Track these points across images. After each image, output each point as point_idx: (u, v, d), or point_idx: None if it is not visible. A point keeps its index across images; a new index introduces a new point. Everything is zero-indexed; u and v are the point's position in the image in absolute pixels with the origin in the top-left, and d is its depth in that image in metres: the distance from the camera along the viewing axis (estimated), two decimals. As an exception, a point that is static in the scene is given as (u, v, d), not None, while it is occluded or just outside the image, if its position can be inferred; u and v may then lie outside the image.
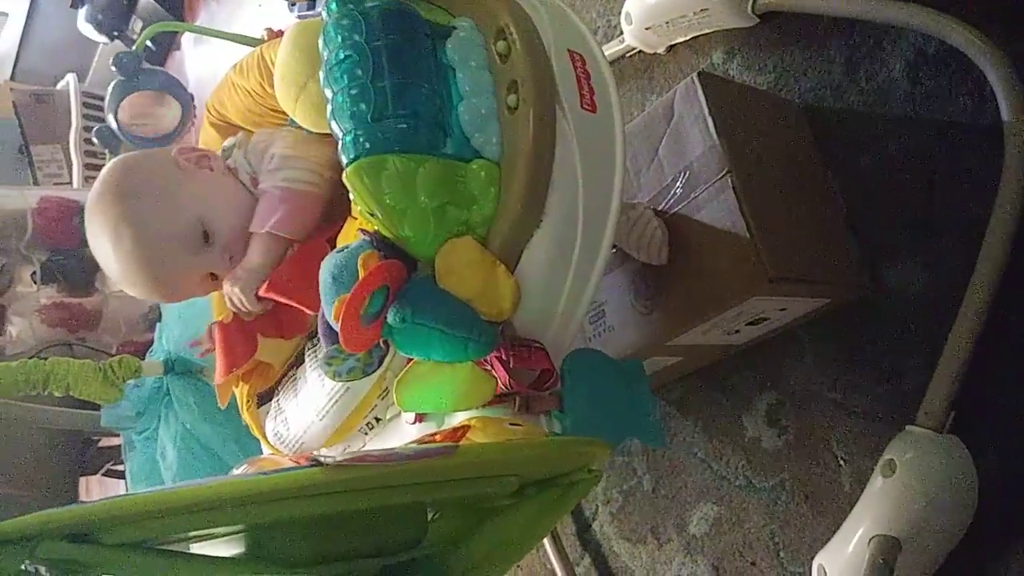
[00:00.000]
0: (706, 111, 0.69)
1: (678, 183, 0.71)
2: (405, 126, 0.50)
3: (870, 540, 0.61)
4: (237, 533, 0.44)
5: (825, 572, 0.64)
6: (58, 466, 1.68)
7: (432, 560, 0.49)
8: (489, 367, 0.51)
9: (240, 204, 0.68)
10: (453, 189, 0.50)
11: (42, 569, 0.36)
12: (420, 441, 0.52)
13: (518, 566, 1.01)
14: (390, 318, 0.49)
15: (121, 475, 1.49)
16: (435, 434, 0.52)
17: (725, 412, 0.82)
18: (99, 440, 1.64)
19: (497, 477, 0.46)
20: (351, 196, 0.52)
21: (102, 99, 1.40)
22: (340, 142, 0.51)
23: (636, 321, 0.74)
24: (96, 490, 1.78)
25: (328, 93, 0.52)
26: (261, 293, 0.65)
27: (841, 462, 0.72)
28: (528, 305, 0.52)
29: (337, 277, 0.49)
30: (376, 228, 0.52)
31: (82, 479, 1.77)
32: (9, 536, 0.36)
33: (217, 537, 0.44)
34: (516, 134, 0.50)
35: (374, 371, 0.51)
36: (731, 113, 0.70)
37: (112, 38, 2.36)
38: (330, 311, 0.49)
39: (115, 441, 1.45)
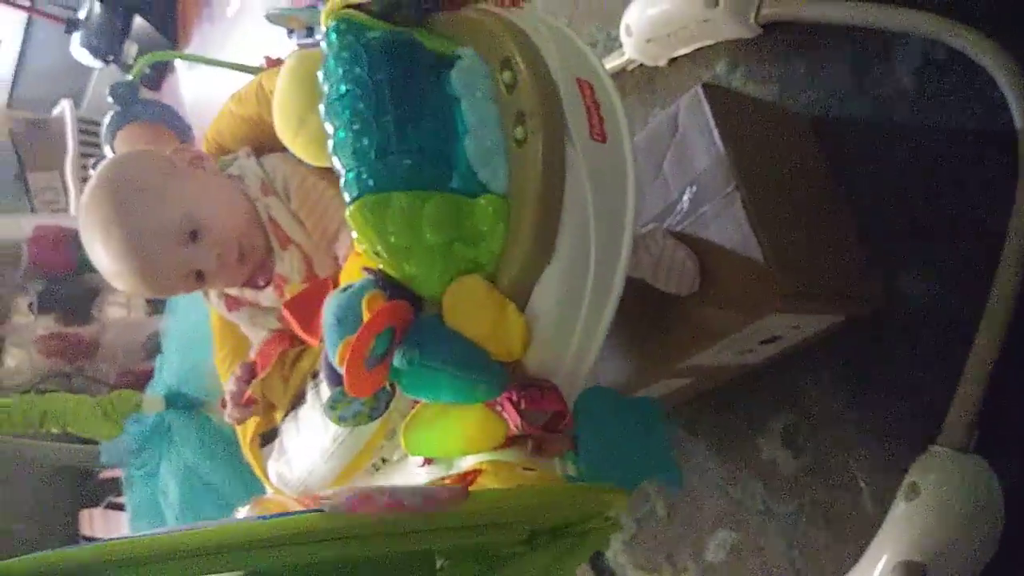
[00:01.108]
0: (711, 123, 0.67)
1: (684, 198, 0.70)
2: (409, 162, 0.48)
3: (895, 567, 0.59)
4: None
5: (849, 601, 0.63)
6: (58, 499, 1.67)
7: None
8: (500, 409, 0.49)
9: (232, 206, 0.70)
10: (460, 225, 0.49)
11: None
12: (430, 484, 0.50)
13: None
14: (396, 360, 0.47)
15: (123, 507, 1.48)
16: (445, 478, 0.50)
17: (740, 434, 0.80)
18: (100, 472, 1.62)
19: (509, 524, 0.44)
20: (353, 234, 0.50)
21: (98, 124, 1.39)
22: (343, 179, 0.49)
23: (645, 343, 0.72)
24: (99, 523, 1.76)
25: (329, 128, 0.50)
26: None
27: (862, 483, 0.70)
28: (539, 344, 0.50)
29: (341, 319, 0.48)
30: (381, 267, 0.50)
31: (83, 512, 1.76)
32: None
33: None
34: (524, 168, 0.49)
35: (380, 415, 0.49)
36: (737, 125, 0.68)
37: (107, 62, 2.36)
38: (334, 354, 0.47)
39: (117, 472, 1.43)
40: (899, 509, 0.61)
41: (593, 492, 0.47)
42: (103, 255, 0.68)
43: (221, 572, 0.39)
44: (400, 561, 0.46)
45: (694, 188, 0.69)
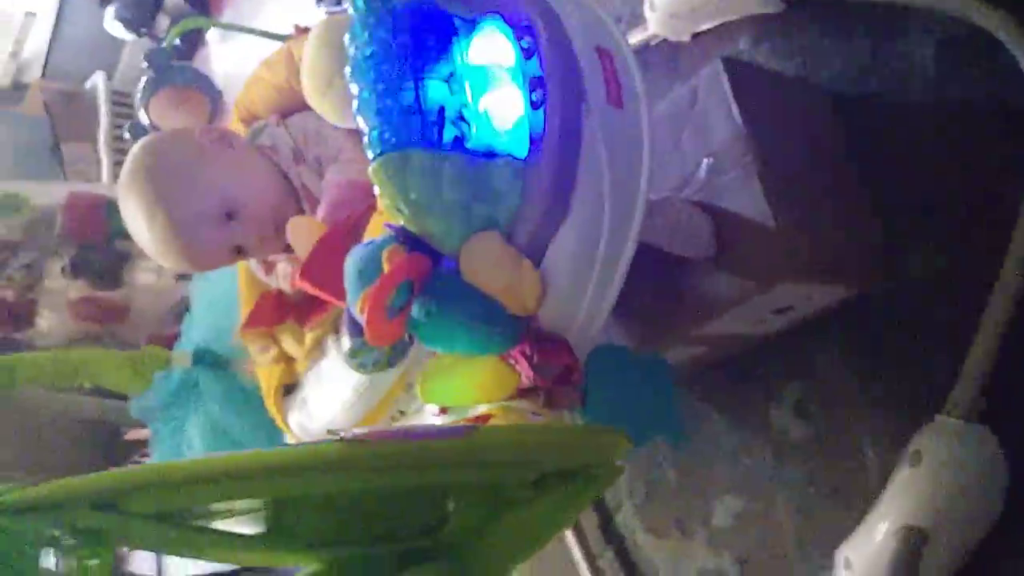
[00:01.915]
0: (730, 97, 0.68)
1: (701, 169, 0.71)
2: (431, 122, 0.50)
3: (896, 531, 0.60)
4: (258, 511, 0.45)
5: (850, 564, 0.64)
6: (86, 459, 1.71)
7: (451, 550, 0.49)
8: (513, 361, 0.51)
9: (265, 180, 0.73)
10: (478, 184, 0.51)
11: (66, 536, 0.37)
12: None
13: (540, 557, 1.02)
14: (415, 312, 0.49)
15: (149, 467, 1.51)
16: (458, 422, 0.52)
17: (751, 403, 0.81)
18: (126, 432, 1.67)
19: (516, 464, 0.46)
20: (376, 190, 0.52)
21: (130, 96, 1.42)
22: (366, 137, 0.51)
23: (659, 310, 0.74)
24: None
25: (354, 89, 0.52)
26: (295, 283, 0.68)
27: (869, 453, 0.71)
28: (553, 300, 0.52)
29: (363, 271, 0.50)
30: (401, 222, 0.52)
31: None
32: (35, 503, 0.37)
33: (239, 514, 0.44)
34: (541, 129, 0.51)
35: (398, 363, 0.51)
36: (756, 99, 0.69)
37: (140, 35, 2.39)
38: (355, 304, 0.50)
39: (143, 434, 1.47)
40: (902, 475, 0.62)
41: (599, 434, 0.49)
42: (148, 240, 0.73)
43: (244, 498, 0.41)
44: (414, 499, 0.48)
45: (711, 160, 0.70)
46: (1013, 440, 0.60)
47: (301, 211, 0.74)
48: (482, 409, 0.52)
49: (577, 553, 0.95)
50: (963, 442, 0.60)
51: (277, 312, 0.74)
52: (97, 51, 2.60)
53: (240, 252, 0.75)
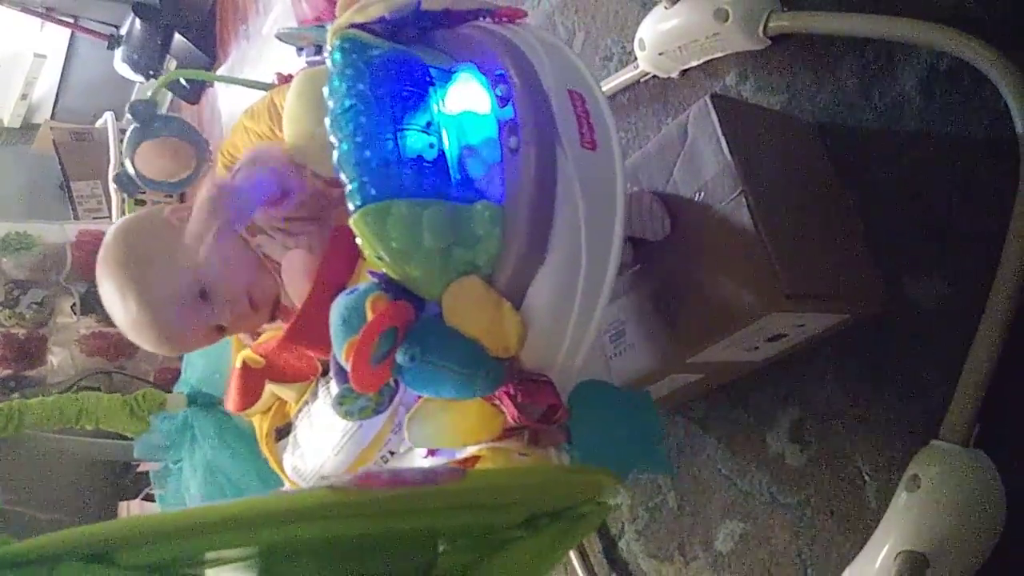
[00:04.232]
0: (719, 132, 0.70)
1: (699, 197, 0.72)
2: (409, 172, 0.51)
3: (896, 556, 0.60)
4: (249, 559, 0.45)
5: (854, 588, 0.64)
6: (97, 492, 1.72)
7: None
8: (498, 402, 0.52)
9: (235, 258, 0.72)
10: (458, 230, 0.52)
11: None
12: None
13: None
14: (399, 358, 0.50)
15: (158, 500, 1.53)
16: (447, 464, 0.53)
17: (748, 429, 0.82)
18: (137, 464, 1.68)
19: (505, 506, 0.47)
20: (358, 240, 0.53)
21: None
22: (347, 189, 0.52)
23: (656, 339, 0.74)
24: (136, 513, 1.82)
25: (334, 140, 0.53)
26: (275, 345, 0.68)
27: (866, 477, 0.71)
28: (534, 340, 0.53)
29: (347, 320, 0.51)
30: (384, 270, 0.53)
31: (122, 504, 1.82)
32: (28, 556, 0.37)
33: (231, 562, 0.45)
34: (518, 174, 0.52)
35: (385, 410, 0.52)
36: (744, 133, 0.71)
37: (148, 77, 2.43)
38: (341, 353, 0.51)
39: (155, 465, 1.48)
40: (901, 500, 0.62)
41: (585, 474, 0.50)
42: (124, 323, 0.73)
43: (235, 547, 0.42)
44: (404, 543, 0.49)
45: (703, 193, 0.71)
46: (1009, 462, 0.60)
47: (275, 282, 0.74)
48: (470, 450, 0.53)
49: (582, 579, 0.95)
50: (959, 466, 0.61)
51: (260, 385, 0.73)
52: (106, 92, 2.64)
53: (220, 331, 0.74)
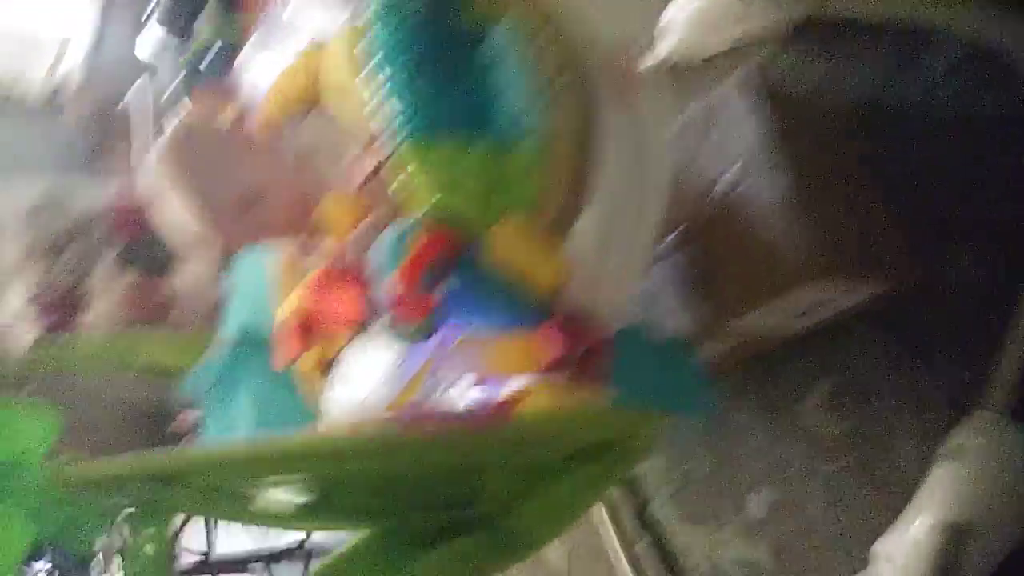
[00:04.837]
0: (753, 107, 0.70)
1: (724, 177, 0.72)
2: (457, 106, 0.51)
3: (935, 526, 0.60)
4: (308, 481, 0.47)
5: (891, 558, 0.63)
6: (136, 443, 1.76)
7: (485, 520, 0.51)
8: (543, 335, 0.52)
9: (284, 171, 0.78)
10: (502, 170, 0.52)
11: (125, 503, 0.39)
12: None
13: (577, 544, 1.03)
14: (447, 285, 0.51)
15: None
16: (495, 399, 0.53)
17: (784, 398, 0.81)
18: (178, 413, 1.71)
19: (548, 442, 0.47)
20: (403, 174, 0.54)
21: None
22: (393, 122, 0.53)
23: (694, 306, 0.74)
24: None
25: (381, 77, 0.53)
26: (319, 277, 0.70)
27: (904, 447, 0.71)
28: (578, 280, 0.53)
29: (395, 251, 0.52)
30: (429, 204, 0.54)
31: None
32: (98, 477, 0.39)
33: (290, 484, 0.46)
34: (561, 118, 0.52)
35: (431, 336, 0.53)
36: (778, 110, 0.70)
37: (182, 39, 2.44)
38: (390, 281, 0.51)
39: (187, 427, 1.51)
40: (941, 470, 0.61)
41: (629, 413, 0.50)
42: (176, 219, 0.80)
43: (295, 474, 0.43)
44: (451, 473, 0.50)
45: (735, 167, 0.71)
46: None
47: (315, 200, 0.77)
48: (519, 382, 0.53)
49: (614, 541, 0.96)
50: (1003, 437, 0.60)
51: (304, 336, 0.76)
52: (129, 79, 2.67)
53: (265, 235, 0.78)
